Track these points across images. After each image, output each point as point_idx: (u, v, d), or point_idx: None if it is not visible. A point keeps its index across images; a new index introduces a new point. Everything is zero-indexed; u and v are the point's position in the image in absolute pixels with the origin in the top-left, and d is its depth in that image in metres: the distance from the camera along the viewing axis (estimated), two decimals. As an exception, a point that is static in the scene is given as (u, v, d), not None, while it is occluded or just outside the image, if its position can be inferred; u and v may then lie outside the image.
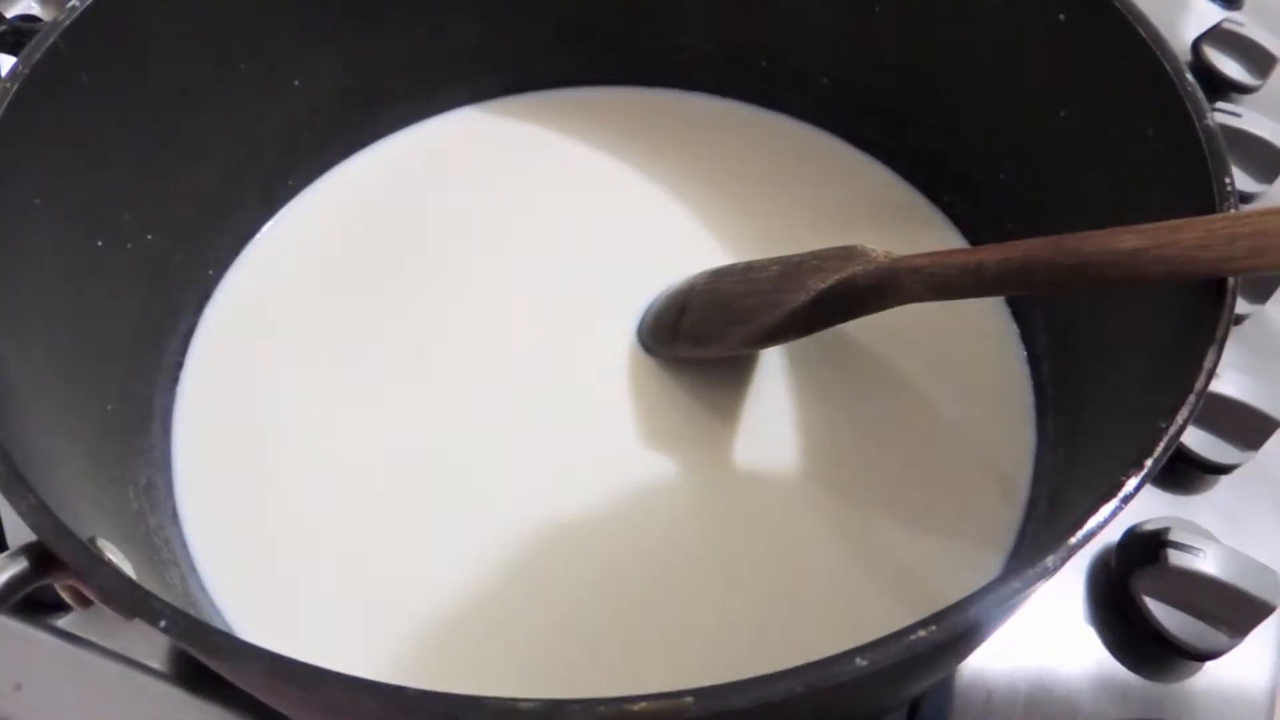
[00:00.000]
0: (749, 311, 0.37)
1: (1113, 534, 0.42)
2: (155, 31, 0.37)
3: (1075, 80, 0.38)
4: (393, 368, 0.41)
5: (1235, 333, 0.48)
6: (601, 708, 0.21)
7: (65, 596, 0.26)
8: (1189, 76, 0.32)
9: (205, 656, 0.25)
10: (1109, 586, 0.41)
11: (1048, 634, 0.40)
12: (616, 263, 0.44)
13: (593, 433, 0.39)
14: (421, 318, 0.43)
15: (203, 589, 0.36)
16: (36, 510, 0.24)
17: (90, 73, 0.35)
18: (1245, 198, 0.52)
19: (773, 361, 0.41)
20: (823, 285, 0.35)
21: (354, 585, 0.36)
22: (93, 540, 0.27)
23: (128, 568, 0.28)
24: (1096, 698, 0.39)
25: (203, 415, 0.40)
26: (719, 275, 0.41)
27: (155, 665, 0.38)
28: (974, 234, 0.45)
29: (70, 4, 0.34)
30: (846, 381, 0.41)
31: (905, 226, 0.46)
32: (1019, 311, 0.42)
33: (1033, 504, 0.38)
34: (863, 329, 0.37)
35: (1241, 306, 0.48)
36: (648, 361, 0.41)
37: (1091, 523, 0.24)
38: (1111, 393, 0.34)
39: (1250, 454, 0.43)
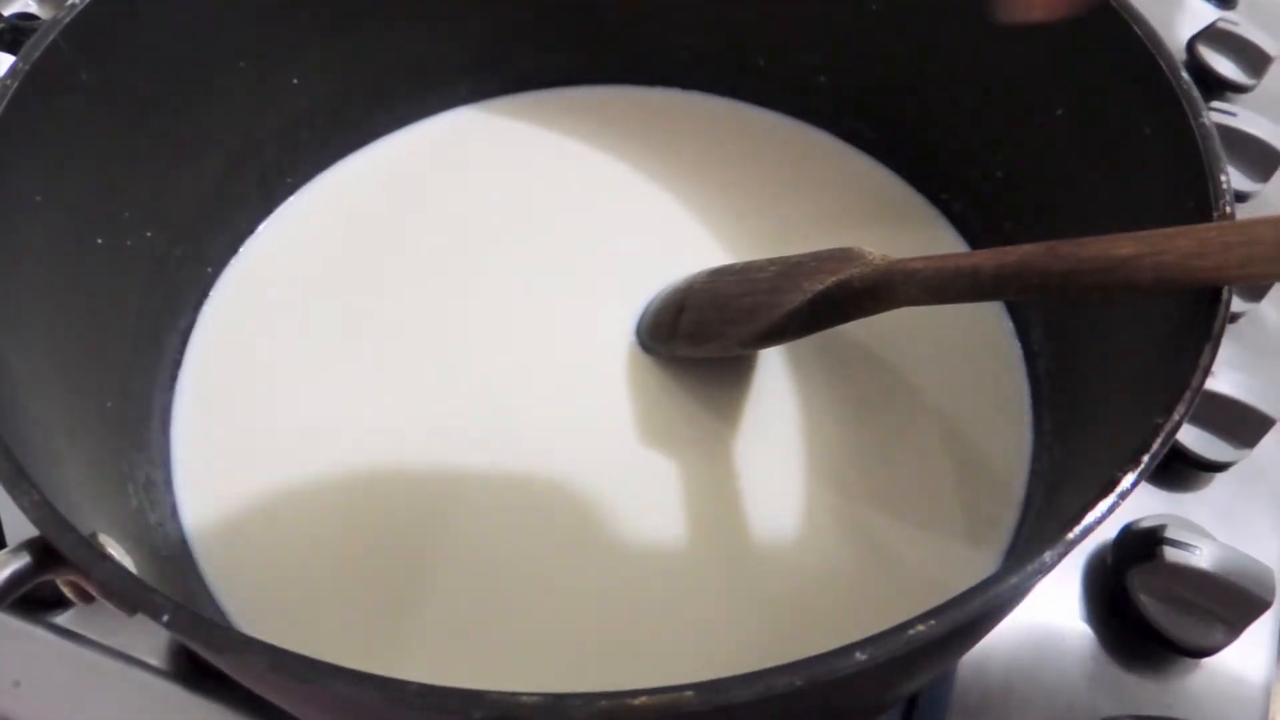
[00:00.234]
0: (746, 312, 0.37)
1: (1109, 531, 0.42)
2: (155, 29, 0.37)
3: (1072, 79, 0.38)
4: (391, 365, 0.41)
5: (1231, 330, 0.48)
6: (603, 701, 0.21)
7: (67, 592, 0.26)
8: (1185, 75, 0.32)
9: (208, 651, 0.25)
10: (1105, 583, 0.41)
11: (1044, 630, 0.40)
12: (614, 261, 0.44)
13: (591, 430, 0.39)
14: (419, 316, 0.43)
15: (203, 585, 0.36)
16: (39, 505, 0.24)
17: (90, 71, 0.35)
18: (1241, 196, 0.52)
19: (771, 359, 0.41)
20: (819, 287, 0.35)
21: (354, 581, 0.36)
22: (93, 536, 0.28)
23: (128, 564, 0.28)
24: (1093, 694, 0.39)
25: (202, 412, 0.40)
26: (717, 275, 0.41)
27: (154, 662, 0.38)
28: (971, 232, 0.45)
29: (70, 2, 0.34)
30: (844, 379, 0.41)
31: (902, 224, 0.46)
32: (1015, 309, 0.43)
33: (1029, 500, 0.38)
34: (860, 327, 0.37)
35: (1237, 305, 0.48)
36: (646, 360, 0.41)
37: (1088, 519, 0.24)
38: (1107, 390, 0.34)
39: (1245, 451, 0.43)
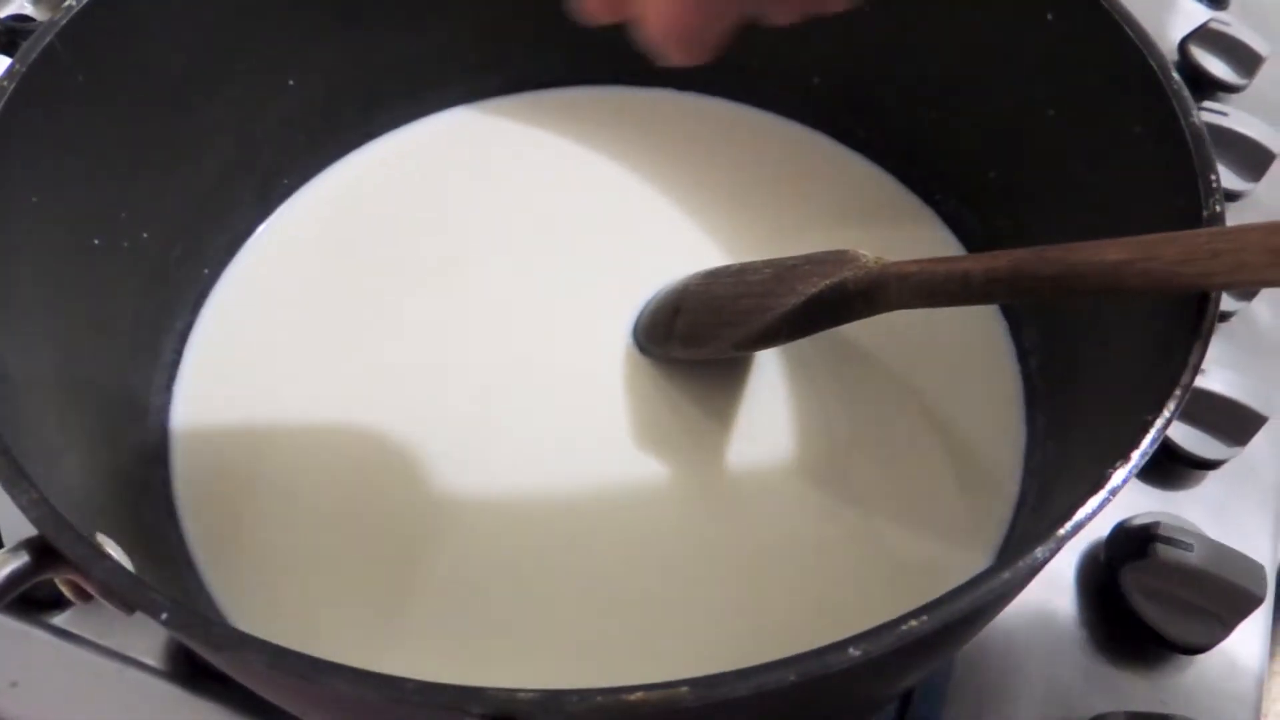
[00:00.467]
0: (741, 314, 0.38)
1: (1102, 529, 0.42)
2: (151, 31, 0.37)
3: (1063, 79, 0.38)
4: (387, 365, 0.42)
5: (1222, 329, 0.49)
6: (599, 697, 0.21)
7: (65, 591, 0.26)
8: (1175, 75, 0.33)
9: (206, 649, 0.25)
10: (1099, 581, 0.41)
11: (1039, 628, 0.40)
12: (610, 262, 0.44)
13: (587, 431, 0.40)
14: (416, 316, 0.43)
15: (200, 585, 0.36)
16: (38, 504, 0.24)
17: (87, 72, 0.35)
18: (1233, 196, 0.53)
19: (766, 361, 0.41)
20: (813, 290, 0.35)
21: (352, 581, 0.36)
22: (92, 536, 0.28)
23: (126, 564, 0.28)
24: (1086, 690, 0.39)
25: (199, 413, 0.41)
26: (712, 277, 0.41)
27: (151, 662, 0.38)
28: (965, 231, 0.45)
29: (67, 3, 0.34)
30: (839, 379, 0.41)
31: (897, 225, 0.46)
32: (1008, 309, 0.43)
33: (1023, 498, 0.38)
34: (855, 328, 0.37)
35: (1229, 304, 0.48)
36: (642, 361, 0.42)
37: (1079, 515, 0.24)
38: (1100, 388, 0.34)
39: (1237, 449, 0.44)
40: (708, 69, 0.49)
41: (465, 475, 0.39)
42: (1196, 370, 0.27)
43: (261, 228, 0.46)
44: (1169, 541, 0.39)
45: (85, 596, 0.26)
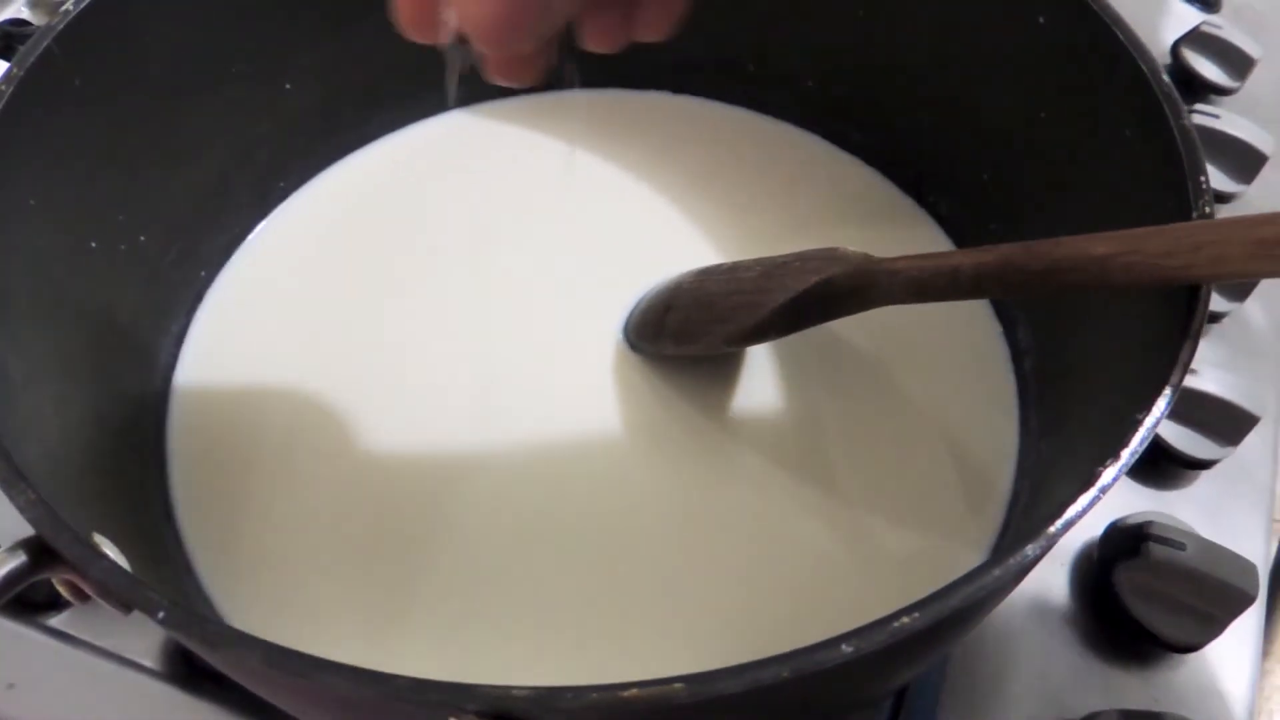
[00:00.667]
0: (732, 310, 0.38)
1: (1096, 528, 0.42)
2: (148, 35, 0.37)
3: (1055, 82, 0.38)
4: (382, 367, 0.42)
5: (1215, 330, 0.49)
6: (594, 694, 0.21)
7: (62, 591, 0.26)
8: (1165, 78, 0.33)
9: (203, 647, 0.25)
10: (1092, 580, 0.41)
11: (1032, 626, 0.40)
12: (604, 262, 0.45)
13: (580, 428, 0.40)
14: (411, 316, 0.43)
15: (197, 586, 0.36)
16: (35, 505, 0.24)
17: (84, 76, 0.35)
18: (1225, 198, 0.53)
19: (759, 358, 0.42)
20: (803, 286, 0.35)
21: (348, 580, 0.37)
22: (89, 536, 0.28)
23: (124, 564, 0.28)
24: (1080, 689, 0.39)
25: (195, 415, 0.41)
26: (704, 274, 0.41)
27: (148, 663, 0.38)
28: (958, 233, 0.46)
29: (64, 8, 0.34)
30: (832, 378, 0.41)
31: (890, 226, 0.46)
32: (1002, 309, 0.43)
33: (1016, 498, 0.38)
34: (848, 326, 0.38)
35: (1221, 304, 0.49)
36: (634, 359, 0.42)
37: (1070, 513, 0.24)
38: (1092, 388, 0.35)
39: (1230, 449, 0.44)
40: (703, 70, 0.50)
41: (460, 473, 0.39)
42: (1186, 368, 0.27)
43: (257, 230, 0.46)
44: (1162, 541, 0.39)
45: (82, 596, 0.26)
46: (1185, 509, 0.43)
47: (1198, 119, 0.52)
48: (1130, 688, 0.39)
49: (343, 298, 0.44)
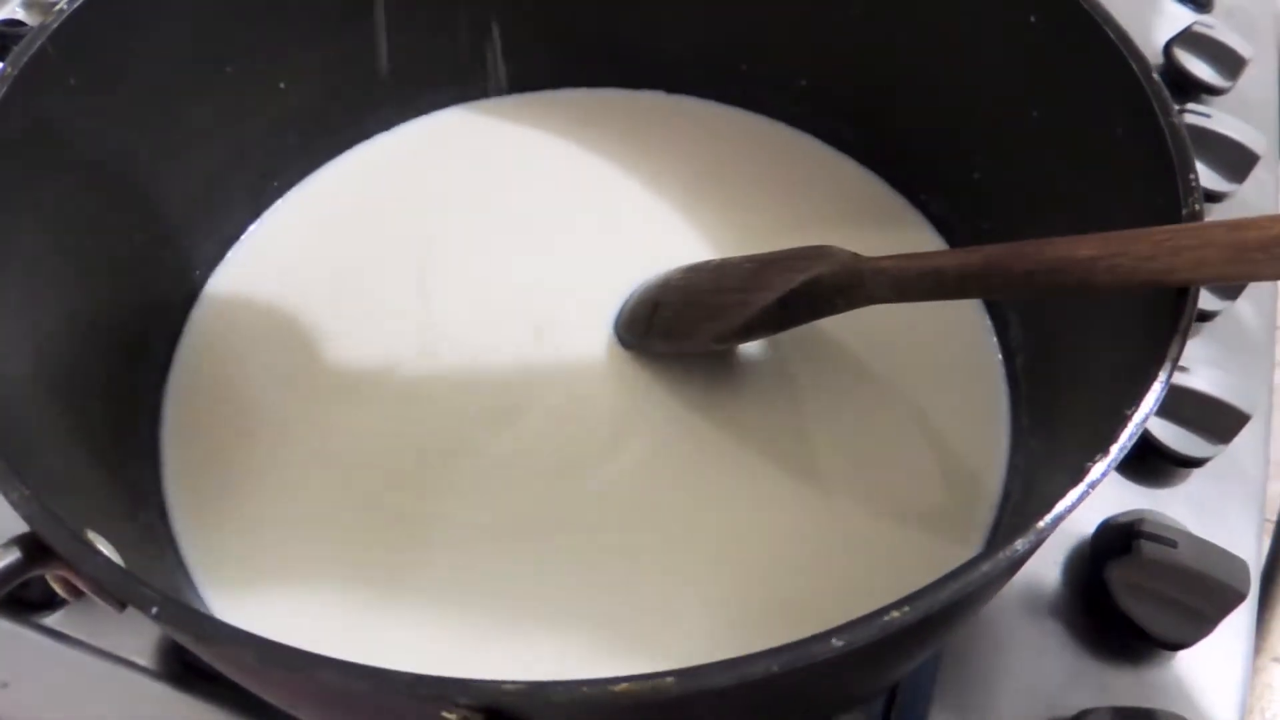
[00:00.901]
0: (720, 308, 0.38)
1: (1088, 526, 0.42)
2: (142, 34, 0.37)
3: (1046, 80, 0.38)
4: (376, 363, 0.42)
5: (1206, 329, 0.49)
6: (585, 688, 0.21)
7: (57, 588, 0.26)
8: (1155, 75, 0.33)
9: (197, 643, 0.25)
10: (1084, 578, 0.41)
11: (1025, 624, 0.40)
12: (597, 259, 0.45)
13: (571, 422, 0.40)
14: (405, 314, 0.43)
15: (191, 584, 0.36)
16: (29, 501, 0.25)
17: (78, 76, 0.35)
18: (1216, 197, 0.53)
19: (750, 356, 0.42)
20: (790, 285, 0.35)
21: (340, 576, 0.37)
22: (82, 533, 0.28)
23: (118, 561, 0.28)
24: (1072, 686, 0.39)
25: (190, 413, 0.41)
26: (693, 271, 0.41)
27: (143, 662, 0.38)
28: (950, 231, 0.46)
29: (58, 7, 0.34)
30: (823, 376, 0.42)
31: (882, 225, 0.47)
32: (993, 307, 0.43)
33: (1007, 494, 0.38)
34: (839, 324, 0.38)
35: (1213, 303, 0.49)
36: (626, 355, 0.42)
37: (1059, 507, 0.24)
38: (1082, 386, 0.35)
39: (1221, 447, 0.44)
40: (698, 71, 0.50)
41: (453, 470, 0.39)
42: (1175, 364, 0.27)
43: (251, 229, 0.46)
44: (1154, 538, 0.39)
45: (76, 593, 0.26)
46: (1177, 507, 0.43)
47: (1190, 119, 0.52)
48: (1122, 685, 0.39)
49: (337, 296, 0.44)
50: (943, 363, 0.42)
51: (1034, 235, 0.31)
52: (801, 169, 0.48)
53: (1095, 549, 0.41)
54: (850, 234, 0.42)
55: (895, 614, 0.22)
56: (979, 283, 0.32)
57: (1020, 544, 0.24)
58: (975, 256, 0.31)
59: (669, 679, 0.21)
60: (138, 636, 0.39)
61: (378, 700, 0.23)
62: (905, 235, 0.46)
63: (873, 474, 0.39)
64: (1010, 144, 0.41)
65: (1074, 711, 0.38)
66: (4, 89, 0.32)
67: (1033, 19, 0.38)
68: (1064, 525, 0.24)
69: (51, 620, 0.39)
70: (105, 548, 0.28)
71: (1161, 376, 0.27)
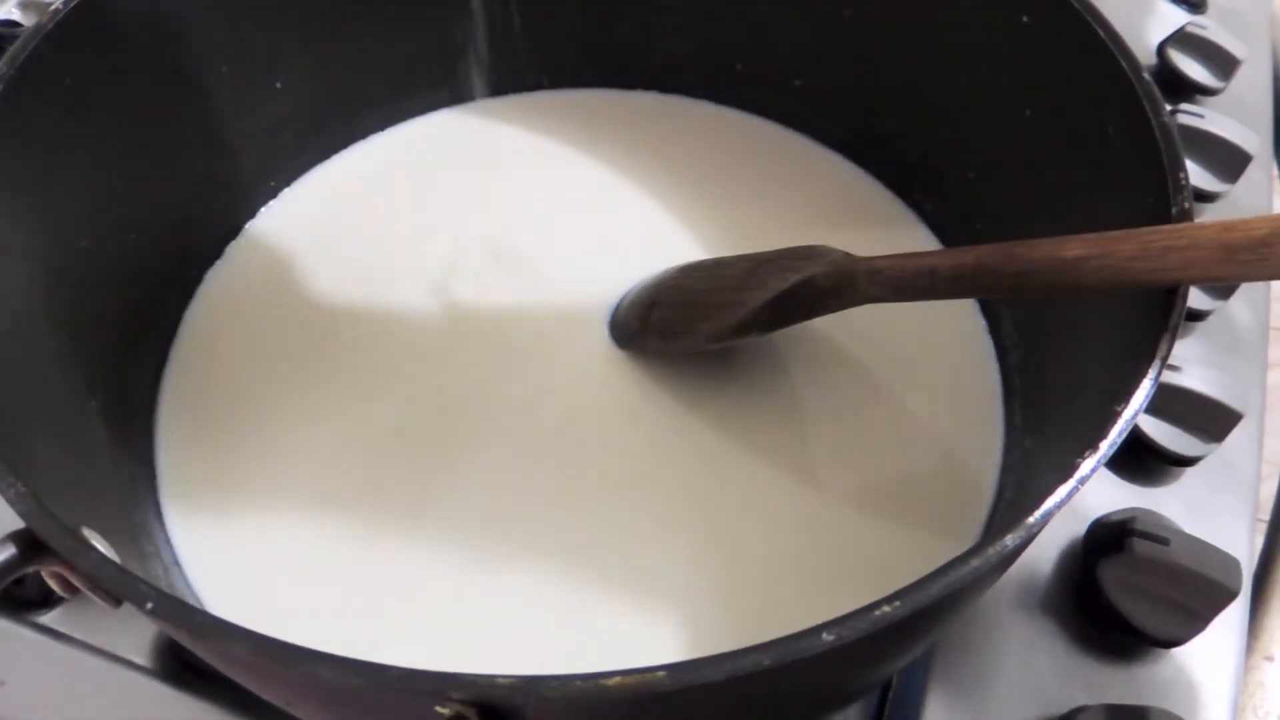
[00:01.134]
0: (714, 308, 0.38)
1: (1080, 525, 0.42)
2: (138, 35, 0.37)
3: (1039, 81, 0.39)
4: (372, 364, 0.42)
5: (1199, 328, 0.49)
6: (578, 682, 0.21)
7: (52, 584, 0.26)
8: (1146, 76, 0.33)
9: (191, 639, 0.25)
10: (1077, 576, 0.41)
11: (1018, 622, 0.40)
12: (592, 260, 0.45)
13: (567, 424, 0.40)
14: (401, 315, 0.43)
15: (186, 582, 0.36)
16: (24, 497, 0.25)
17: (74, 76, 0.35)
18: (1209, 197, 0.53)
19: (745, 354, 0.42)
20: (784, 285, 0.36)
21: (334, 573, 0.37)
22: (77, 530, 0.28)
23: (113, 557, 0.28)
24: (1065, 684, 0.39)
25: (185, 411, 0.41)
26: (687, 271, 0.41)
27: (139, 660, 0.38)
28: (944, 231, 0.46)
29: (53, 7, 0.34)
30: (818, 374, 0.42)
31: (876, 225, 0.47)
32: (987, 306, 0.43)
33: (1001, 492, 0.39)
34: (834, 323, 0.38)
35: (1205, 302, 0.49)
36: (620, 355, 0.42)
37: (1049, 503, 0.24)
38: (1075, 384, 0.35)
39: (1214, 446, 0.44)
40: (692, 71, 0.50)
41: (448, 467, 0.39)
42: (1165, 362, 0.27)
43: (247, 228, 0.46)
44: (1146, 536, 0.39)
45: (72, 590, 0.26)
46: (1170, 505, 0.43)
47: (1183, 119, 0.52)
48: (1115, 682, 0.39)
49: (331, 295, 0.44)
50: (936, 361, 0.42)
51: (1027, 234, 0.31)
52: (796, 169, 0.48)
53: (1088, 547, 0.42)
54: (844, 234, 0.42)
55: (886, 609, 0.22)
56: (971, 283, 0.32)
57: (1009, 539, 0.24)
58: (967, 257, 0.32)
59: (662, 673, 0.21)
60: (134, 635, 0.39)
61: (372, 695, 0.23)
62: (899, 235, 0.46)
63: (867, 471, 0.39)
64: (1003, 144, 0.41)
65: (1067, 709, 0.38)
66: (0, 88, 0.32)
67: (1026, 19, 0.38)
68: (1057, 523, 0.25)
69: (48, 619, 0.39)
70: (100, 544, 0.28)
71: (1151, 374, 0.27)
